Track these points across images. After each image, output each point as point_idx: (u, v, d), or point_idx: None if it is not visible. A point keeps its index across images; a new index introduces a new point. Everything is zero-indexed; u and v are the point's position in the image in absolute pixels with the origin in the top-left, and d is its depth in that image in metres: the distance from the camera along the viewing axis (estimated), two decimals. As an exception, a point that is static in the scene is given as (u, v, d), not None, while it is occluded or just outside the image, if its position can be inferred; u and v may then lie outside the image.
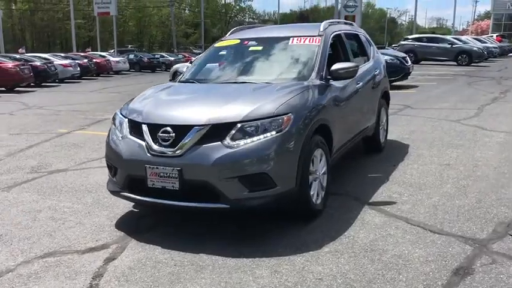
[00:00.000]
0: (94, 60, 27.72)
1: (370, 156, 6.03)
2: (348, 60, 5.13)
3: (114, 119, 4.07)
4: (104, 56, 30.24)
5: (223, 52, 5.06)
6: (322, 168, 4.04)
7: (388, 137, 7.02)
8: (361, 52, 5.99)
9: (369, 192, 4.59)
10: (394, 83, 14.39)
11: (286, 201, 3.64)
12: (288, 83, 4.13)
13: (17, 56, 22.33)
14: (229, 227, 3.86)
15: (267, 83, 4.22)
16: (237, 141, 3.41)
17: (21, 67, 18.32)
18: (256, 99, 3.73)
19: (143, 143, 3.62)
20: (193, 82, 4.65)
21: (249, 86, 4.14)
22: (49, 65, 21.17)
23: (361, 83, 5.12)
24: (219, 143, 3.41)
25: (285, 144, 3.48)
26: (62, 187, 5.13)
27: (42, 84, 21.33)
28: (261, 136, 3.44)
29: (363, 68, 5.50)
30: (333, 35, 4.93)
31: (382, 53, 14.43)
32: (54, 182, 5.34)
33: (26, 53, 28.71)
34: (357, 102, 5.05)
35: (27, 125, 9.72)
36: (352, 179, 5.04)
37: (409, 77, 15.00)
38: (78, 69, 24.29)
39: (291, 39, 4.76)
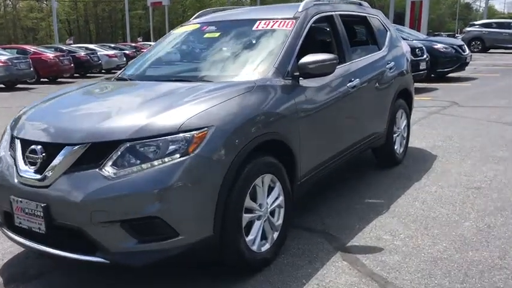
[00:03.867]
0: (142, 50, 27.50)
1: (379, 171, 4.76)
2: (341, 51, 3.92)
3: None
4: (154, 46, 30.06)
5: (177, 40, 4.00)
6: (273, 201, 2.92)
7: (417, 145, 5.72)
8: (371, 40, 4.71)
9: (353, 228, 3.39)
10: (449, 75, 12.72)
11: (202, 254, 2.57)
12: (227, 83, 3.01)
13: (63, 47, 22.47)
14: (139, 274, 2.84)
15: (205, 81, 3.13)
16: (120, 169, 2.37)
17: (61, 58, 18.21)
18: (167, 106, 2.65)
19: (14, 166, 2.68)
20: (124, 79, 3.63)
21: (175, 86, 3.06)
22: (92, 55, 21.06)
23: (356, 80, 3.88)
24: (96, 170, 2.38)
25: (193, 173, 2.39)
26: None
27: (87, 74, 21.31)
28: (158, 162, 2.37)
29: (365, 60, 4.24)
30: (316, 17, 3.72)
31: (436, 41, 12.86)
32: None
33: (93, 43, 28.88)
34: (349, 105, 3.83)
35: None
36: (340, 206, 3.84)
37: (467, 67, 13.15)
38: (124, 59, 24.09)
39: (257, 22, 3.62)
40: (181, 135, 2.41)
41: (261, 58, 3.33)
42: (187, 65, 3.60)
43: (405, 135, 5.12)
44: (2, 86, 16.18)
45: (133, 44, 29.76)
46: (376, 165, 4.94)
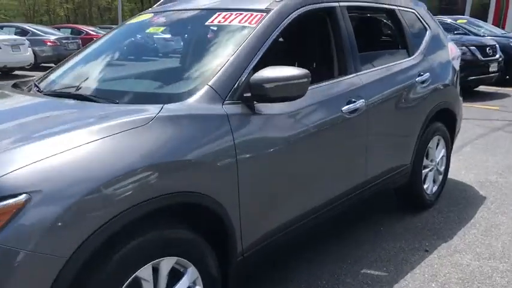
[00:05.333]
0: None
1: (396, 218, 3.56)
2: (341, 59, 2.78)
3: None
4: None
5: (121, 35, 3.00)
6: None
7: (463, 177, 4.44)
8: (399, 42, 3.48)
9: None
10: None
11: None
12: (113, 110, 1.98)
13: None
14: None
15: (109, 100, 2.12)
16: None
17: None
18: None
19: None
20: (38, 88, 2.66)
21: (37, 111, 2.10)
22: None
23: (360, 102, 2.72)
24: None
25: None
26: None
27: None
28: None
29: (381, 71, 3.06)
30: (302, 11, 2.56)
31: (499, 37, 10.84)
32: None
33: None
34: (342, 138, 2.69)
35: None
36: (321, 278, 2.73)
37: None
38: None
39: (215, 15, 2.55)
40: (-24, 207, 1.44)
41: (194, 70, 2.28)
42: (106, 72, 2.59)
43: (442, 169, 3.85)
44: (53, 65, 16.09)
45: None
46: (394, 206, 3.74)
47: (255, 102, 2.16)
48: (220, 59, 2.22)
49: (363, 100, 2.76)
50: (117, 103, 2.07)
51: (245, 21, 2.42)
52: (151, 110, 1.90)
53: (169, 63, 2.46)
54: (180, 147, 1.84)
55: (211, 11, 2.61)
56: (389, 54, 3.30)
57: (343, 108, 2.62)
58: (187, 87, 2.11)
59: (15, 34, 14.76)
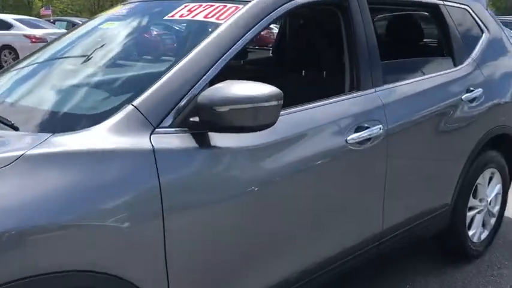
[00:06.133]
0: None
1: (433, 268, 2.78)
2: (354, 70, 2.06)
3: None
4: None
5: (84, 30, 2.40)
6: None
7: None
8: (444, 48, 2.69)
9: None
10: None
11: None
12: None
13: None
14: None
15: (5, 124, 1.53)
16: None
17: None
18: None
19: None
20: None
21: None
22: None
23: (376, 128, 2.00)
24: None
25: None
26: None
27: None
28: None
29: (412, 86, 2.31)
30: (296, 3, 1.86)
31: None
32: None
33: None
34: (342, 178, 1.97)
35: None
36: None
37: None
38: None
39: (182, 6, 1.92)
40: None
41: (121, 82, 1.66)
42: (37, 82, 1.98)
43: (496, 210, 3.01)
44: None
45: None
46: (429, 253, 2.96)
47: (207, 130, 1.51)
48: (161, 68, 1.58)
49: (380, 126, 2.03)
50: (16, 128, 1.47)
51: (213, 15, 1.77)
52: (33, 142, 1.29)
53: (100, 72, 1.82)
54: (61, 204, 1.22)
55: (178, 2, 1.98)
56: (426, 63, 2.52)
57: (348, 138, 1.91)
58: (103, 107, 1.49)
59: (66, 28, 14.90)
